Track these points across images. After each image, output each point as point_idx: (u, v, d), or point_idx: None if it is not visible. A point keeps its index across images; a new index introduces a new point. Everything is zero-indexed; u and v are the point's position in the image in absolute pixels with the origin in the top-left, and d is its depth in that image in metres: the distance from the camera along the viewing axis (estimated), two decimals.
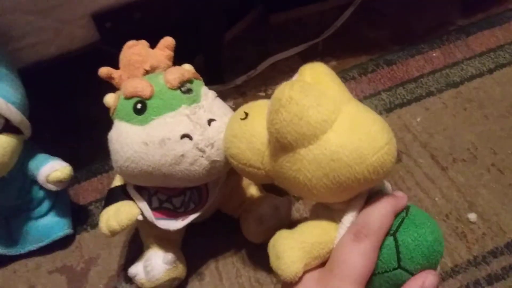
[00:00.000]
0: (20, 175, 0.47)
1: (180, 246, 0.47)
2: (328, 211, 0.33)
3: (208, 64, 0.63)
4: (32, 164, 0.47)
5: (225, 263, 0.49)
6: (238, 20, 0.71)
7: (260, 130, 0.33)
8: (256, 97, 0.64)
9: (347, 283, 0.29)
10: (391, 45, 0.68)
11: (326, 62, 0.67)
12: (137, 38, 0.44)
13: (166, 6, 0.54)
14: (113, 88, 0.43)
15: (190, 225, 0.43)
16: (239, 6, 0.71)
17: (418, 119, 0.59)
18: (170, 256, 0.44)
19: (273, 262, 0.32)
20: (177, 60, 0.45)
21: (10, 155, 0.43)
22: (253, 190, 0.49)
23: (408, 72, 0.64)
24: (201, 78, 0.43)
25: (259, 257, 0.48)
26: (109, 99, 0.41)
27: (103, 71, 0.42)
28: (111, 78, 0.42)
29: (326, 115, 0.29)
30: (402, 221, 0.31)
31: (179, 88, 0.40)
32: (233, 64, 0.68)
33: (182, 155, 0.37)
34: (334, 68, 0.67)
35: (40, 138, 0.48)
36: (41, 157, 0.48)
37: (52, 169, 0.47)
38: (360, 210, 0.32)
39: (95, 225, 0.53)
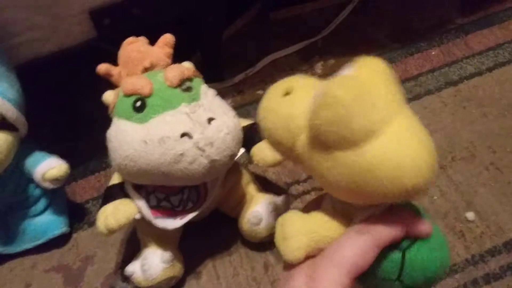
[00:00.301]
0: (16, 172, 0.47)
1: (178, 245, 0.47)
2: (346, 206, 0.32)
3: (207, 62, 0.63)
4: (29, 162, 0.47)
5: (223, 262, 0.49)
6: (238, 17, 0.71)
7: (299, 112, 0.30)
8: (254, 96, 0.63)
9: (335, 268, 0.28)
10: (391, 43, 0.68)
11: (325, 59, 0.68)
12: (136, 34, 0.43)
13: (165, 2, 0.54)
14: (111, 86, 0.42)
15: (188, 223, 0.43)
16: (238, 3, 0.70)
17: (417, 118, 0.58)
18: (167, 255, 0.44)
19: (278, 240, 0.31)
20: (175, 57, 0.44)
21: (6, 153, 0.43)
22: (251, 189, 0.49)
23: (407, 71, 0.64)
24: (201, 76, 0.43)
25: (256, 256, 0.48)
26: (108, 96, 0.41)
27: (102, 68, 0.41)
28: (110, 75, 0.42)
29: (373, 124, 0.27)
30: (415, 240, 0.30)
31: (178, 86, 0.39)
32: (232, 61, 0.67)
33: (182, 154, 0.37)
34: (333, 66, 0.68)
35: (37, 135, 0.48)
36: (37, 154, 0.47)
37: (48, 167, 0.46)
38: (380, 212, 0.30)
39: (92, 223, 0.53)
